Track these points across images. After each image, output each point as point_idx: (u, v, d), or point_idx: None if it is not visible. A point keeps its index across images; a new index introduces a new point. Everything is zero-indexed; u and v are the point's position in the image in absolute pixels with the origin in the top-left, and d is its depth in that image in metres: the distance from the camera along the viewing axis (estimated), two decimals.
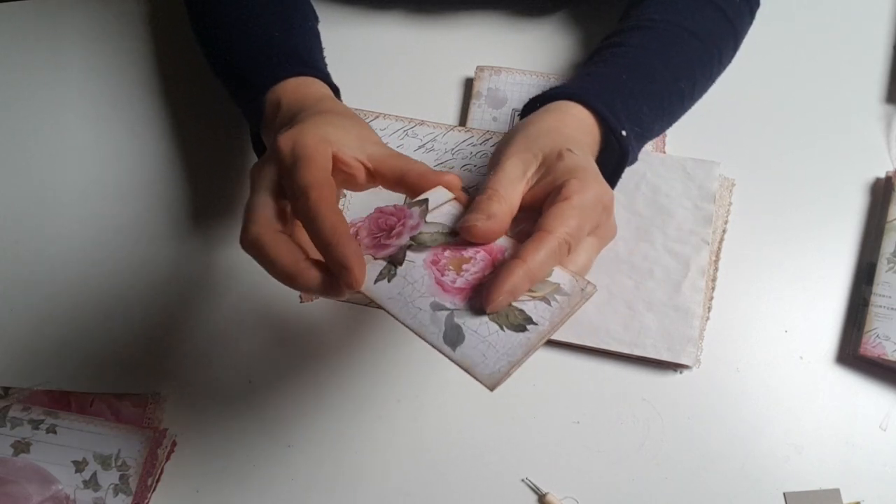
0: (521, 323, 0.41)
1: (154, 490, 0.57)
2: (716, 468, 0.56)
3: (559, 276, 0.43)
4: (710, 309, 0.60)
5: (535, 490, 0.57)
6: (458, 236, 0.44)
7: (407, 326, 0.41)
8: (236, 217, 0.66)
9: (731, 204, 0.63)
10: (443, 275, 0.43)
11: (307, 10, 0.65)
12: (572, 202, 0.43)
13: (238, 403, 0.60)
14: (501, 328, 0.40)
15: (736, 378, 0.59)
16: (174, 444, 0.59)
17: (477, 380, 0.39)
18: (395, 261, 0.43)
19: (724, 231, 0.62)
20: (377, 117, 0.67)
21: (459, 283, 0.42)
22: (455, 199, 0.46)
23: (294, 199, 0.43)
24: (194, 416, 0.60)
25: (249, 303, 0.63)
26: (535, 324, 0.41)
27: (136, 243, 0.65)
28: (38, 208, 0.67)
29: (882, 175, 0.63)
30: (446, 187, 0.46)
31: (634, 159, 0.55)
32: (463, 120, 0.68)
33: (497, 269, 0.41)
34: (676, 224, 0.61)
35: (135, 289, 0.64)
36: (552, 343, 0.60)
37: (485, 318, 0.41)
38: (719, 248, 0.62)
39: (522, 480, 0.57)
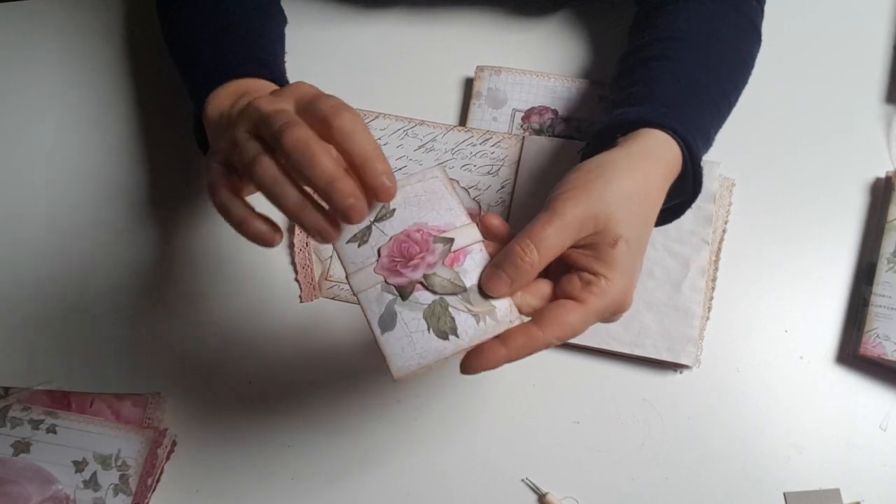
0: (446, 331, 0.42)
1: (154, 490, 0.57)
2: (716, 468, 0.56)
3: (501, 301, 0.43)
4: (710, 309, 0.60)
5: (535, 490, 0.57)
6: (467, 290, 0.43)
7: (355, 294, 0.43)
8: None
9: (731, 204, 0.63)
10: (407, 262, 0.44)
11: (276, 13, 0.65)
12: (587, 306, 0.42)
13: (238, 403, 0.60)
14: (428, 329, 0.42)
15: (736, 378, 0.59)
16: (174, 444, 0.59)
17: (388, 367, 0.42)
18: (403, 293, 0.43)
19: (724, 231, 0.62)
20: (377, 117, 0.67)
21: (414, 275, 0.43)
22: (483, 242, 0.45)
23: (280, 138, 0.40)
24: (194, 416, 0.60)
25: (249, 303, 0.63)
26: (457, 336, 0.42)
27: (137, 244, 0.65)
28: (37, 209, 0.67)
29: (882, 175, 0.63)
30: (486, 229, 0.45)
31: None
32: (463, 120, 0.68)
33: (481, 347, 0.42)
34: (676, 224, 0.61)
35: (135, 289, 0.64)
36: None
37: (419, 315, 0.42)
38: (719, 248, 0.62)
39: (522, 480, 0.57)
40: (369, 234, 0.44)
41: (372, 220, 0.44)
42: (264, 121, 0.41)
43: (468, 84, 0.69)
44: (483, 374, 0.60)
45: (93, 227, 0.66)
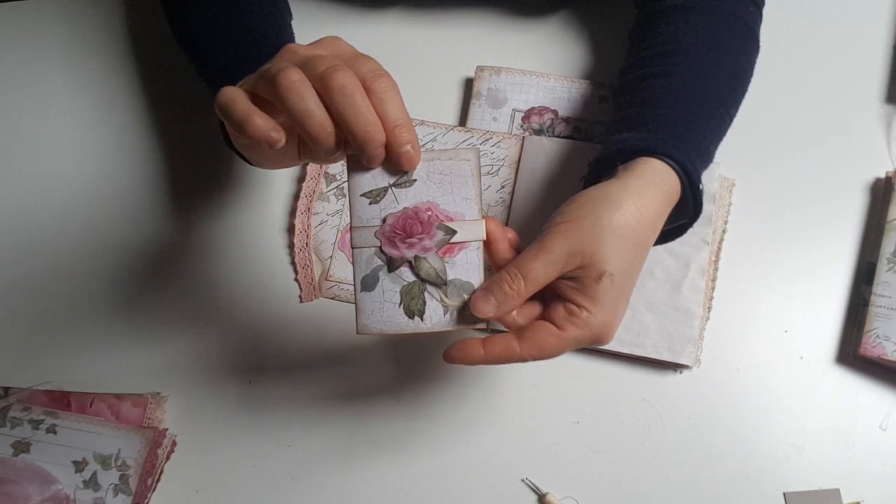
0: (414, 312, 0.45)
1: (154, 490, 0.57)
2: (716, 468, 0.56)
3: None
4: (710, 309, 0.60)
5: (535, 490, 0.57)
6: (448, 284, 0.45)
7: (352, 246, 0.46)
8: (237, 219, 0.66)
9: (731, 204, 0.63)
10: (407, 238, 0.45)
11: (283, 6, 0.64)
12: (566, 334, 0.45)
13: (238, 403, 0.60)
14: (400, 304, 0.45)
15: (736, 378, 0.59)
16: (174, 444, 0.59)
17: (355, 321, 0.45)
18: (391, 264, 0.45)
19: (724, 231, 0.62)
20: None
21: (408, 252, 0.45)
22: (484, 242, 0.46)
23: (328, 80, 0.40)
24: (194, 416, 0.60)
25: (249, 303, 0.63)
26: (422, 320, 0.45)
27: (137, 244, 0.65)
28: (37, 209, 0.67)
29: (882, 175, 0.63)
30: (490, 234, 0.46)
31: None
32: (463, 120, 0.68)
33: (466, 340, 0.45)
34: None
35: (135, 289, 0.64)
36: None
37: (397, 288, 0.45)
38: (719, 248, 0.62)
39: (522, 480, 0.57)
40: (384, 195, 0.45)
41: (391, 183, 0.45)
42: (308, 62, 0.41)
43: (468, 84, 0.69)
44: (483, 374, 0.60)
45: (92, 227, 0.66)
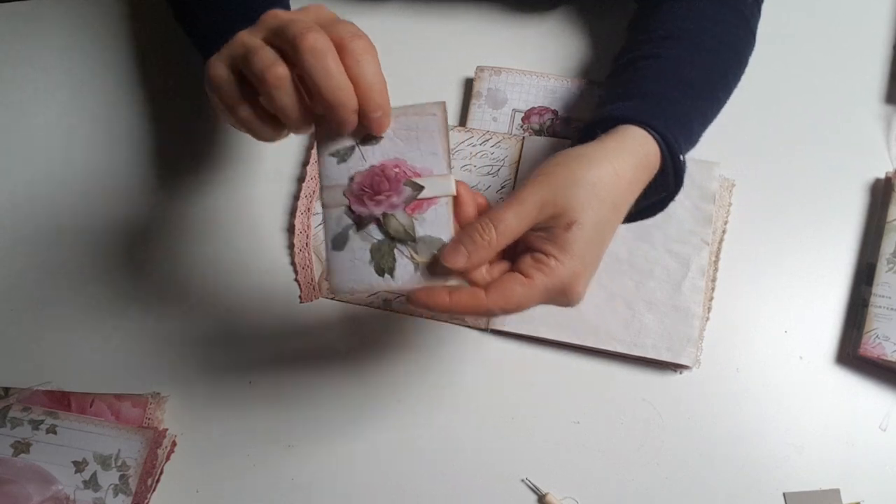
0: (384, 269, 0.45)
1: (154, 490, 0.57)
2: (716, 468, 0.56)
3: None
4: (710, 309, 0.60)
5: (535, 490, 0.57)
6: (418, 241, 0.45)
7: (322, 206, 0.45)
8: (236, 220, 0.66)
9: (730, 204, 0.63)
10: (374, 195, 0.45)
11: None
12: (533, 282, 0.44)
13: (238, 403, 0.60)
14: (370, 261, 0.45)
15: (736, 378, 0.59)
16: (174, 444, 0.59)
17: (329, 283, 0.45)
18: (360, 223, 0.45)
19: (724, 231, 0.62)
20: None
21: (376, 210, 0.45)
22: (453, 198, 0.45)
23: (299, 41, 0.41)
24: (194, 416, 0.60)
25: (249, 303, 0.63)
26: (392, 278, 0.45)
27: (136, 244, 0.65)
28: (37, 209, 0.67)
29: (882, 175, 0.63)
30: (459, 197, 0.45)
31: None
32: (463, 120, 0.68)
33: (432, 288, 0.44)
34: (676, 224, 0.61)
35: (135, 289, 0.64)
36: (552, 343, 0.60)
37: (367, 246, 0.45)
38: (719, 248, 0.62)
39: (522, 480, 0.57)
40: (351, 154, 0.45)
41: (357, 141, 0.45)
42: (284, 26, 0.41)
43: (468, 84, 0.69)
44: (483, 374, 0.60)
45: (93, 227, 0.66)
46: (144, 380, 0.61)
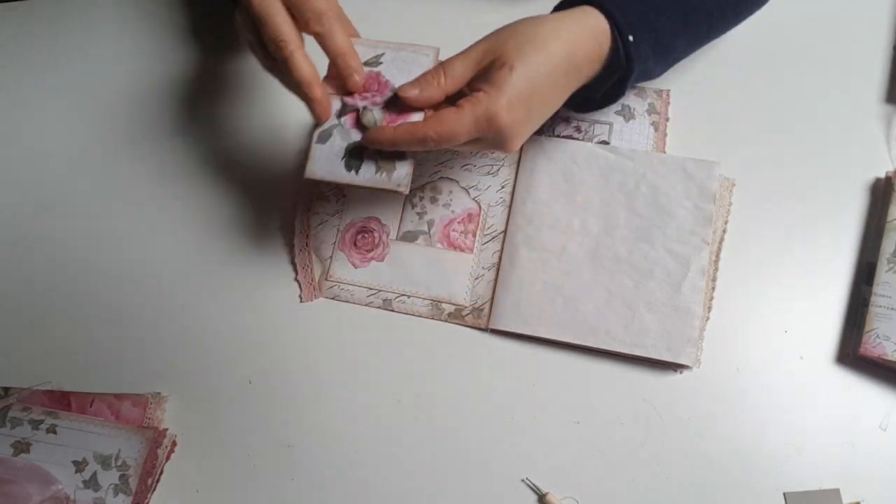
0: (351, 166, 0.53)
1: (154, 490, 0.57)
2: (716, 468, 0.56)
3: (402, 165, 0.53)
4: (710, 309, 0.60)
5: (535, 490, 0.57)
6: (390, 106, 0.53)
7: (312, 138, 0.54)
8: (236, 219, 0.66)
9: (731, 204, 0.63)
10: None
11: None
12: (463, 110, 0.49)
13: (238, 403, 0.60)
14: (343, 157, 0.53)
15: (736, 378, 0.59)
16: (174, 444, 0.59)
17: (305, 168, 0.53)
18: (343, 110, 0.54)
19: (724, 231, 0.62)
20: None
21: (360, 102, 0.54)
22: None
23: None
24: (194, 416, 0.60)
25: (249, 303, 0.63)
26: (356, 174, 0.53)
27: (136, 244, 0.65)
28: (37, 209, 0.67)
29: (882, 175, 0.63)
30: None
31: (653, 73, 0.56)
32: None
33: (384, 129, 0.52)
34: (676, 224, 0.61)
35: (135, 289, 0.64)
36: (552, 343, 0.60)
37: (344, 145, 0.53)
38: (719, 248, 0.62)
39: (522, 480, 0.57)
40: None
41: (362, 61, 0.54)
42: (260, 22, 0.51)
43: None
44: (483, 374, 0.60)
45: (93, 227, 0.66)
46: (144, 380, 0.61)
